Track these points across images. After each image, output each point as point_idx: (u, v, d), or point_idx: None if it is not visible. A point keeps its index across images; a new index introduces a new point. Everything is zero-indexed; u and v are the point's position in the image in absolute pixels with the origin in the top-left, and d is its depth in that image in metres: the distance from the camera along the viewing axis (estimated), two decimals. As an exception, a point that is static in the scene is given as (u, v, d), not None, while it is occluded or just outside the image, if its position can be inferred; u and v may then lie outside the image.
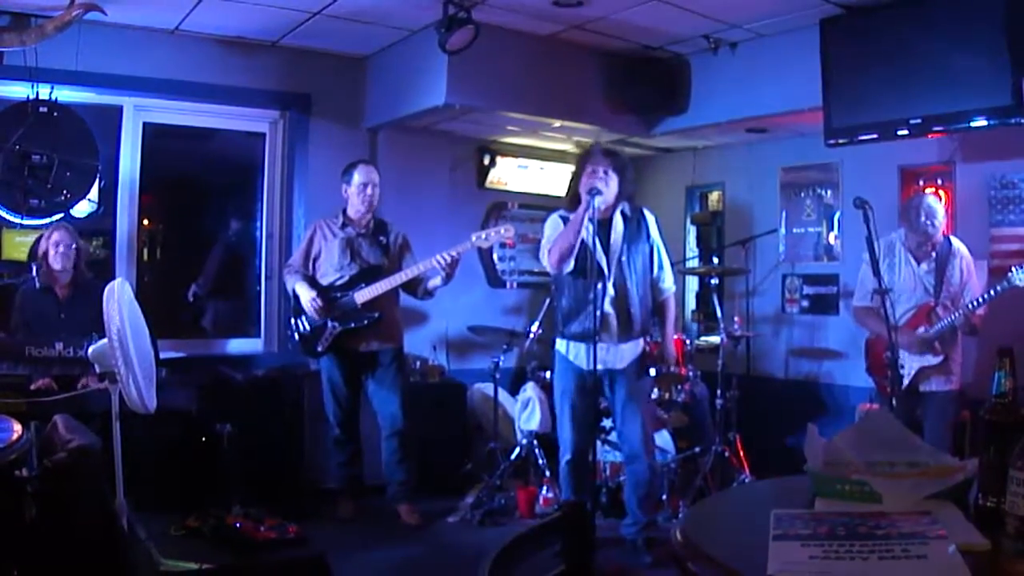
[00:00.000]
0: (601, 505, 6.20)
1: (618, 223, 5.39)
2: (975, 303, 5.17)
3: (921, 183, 6.43)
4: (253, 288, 7.35)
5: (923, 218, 5.45)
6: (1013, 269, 5.06)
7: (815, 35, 5.98)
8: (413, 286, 6.12)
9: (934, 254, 5.47)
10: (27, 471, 3.28)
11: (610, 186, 5.26)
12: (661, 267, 5.53)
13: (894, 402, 5.06)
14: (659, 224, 5.60)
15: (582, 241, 5.22)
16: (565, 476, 5.45)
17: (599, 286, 5.24)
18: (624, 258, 5.35)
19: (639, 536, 5.41)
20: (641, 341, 5.48)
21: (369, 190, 6.11)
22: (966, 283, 5.42)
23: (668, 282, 5.58)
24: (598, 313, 5.21)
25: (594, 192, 5.11)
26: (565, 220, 5.36)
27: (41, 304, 5.62)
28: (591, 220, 5.11)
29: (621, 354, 5.37)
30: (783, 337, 7.57)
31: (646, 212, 5.54)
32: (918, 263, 5.50)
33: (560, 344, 5.48)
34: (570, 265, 5.27)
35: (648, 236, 5.47)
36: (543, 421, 6.48)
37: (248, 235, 7.39)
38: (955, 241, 5.56)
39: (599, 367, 5.23)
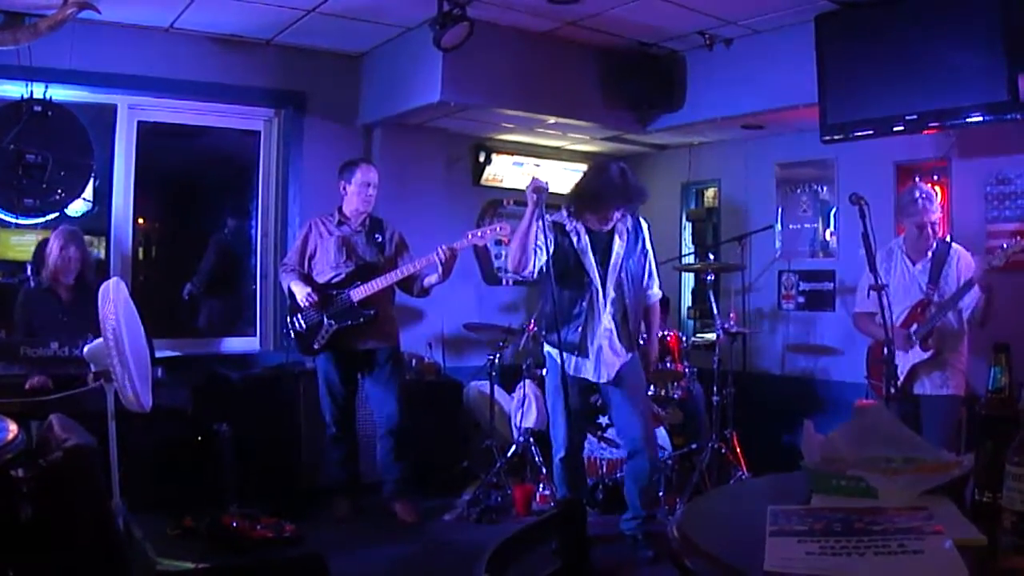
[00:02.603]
0: (598, 502, 6.21)
1: (619, 239, 5.34)
2: (967, 286, 5.13)
3: (917, 179, 6.41)
4: (249, 287, 7.36)
5: (918, 194, 5.38)
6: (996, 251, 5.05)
7: (810, 31, 5.98)
8: (409, 284, 6.11)
9: (930, 254, 5.43)
10: (22, 471, 3.27)
11: (614, 216, 5.25)
12: (651, 275, 5.54)
13: (889, 404, 5.03)
14: (650, 229, 5.59)
15: (575, 252, 5.22)
16: (559, 473, 5.45)
17: (584, 302, 5.25)
18: (623, 274, 5.32)
19: (639, 531, 5.41)
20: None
21: (371, 190, 6.09)
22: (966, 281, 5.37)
23: (655, 288, 5.60)
24: (581, 329, 5.25)
25: (541, 191, 5.00)
26: (555, 224, 5.30)
27: (44, 305, 5.61)
28: (540, 218, 5.02)
29: (615, 365, 5.34)
30: (779, 333, 7.57)
31: (642, 221, 5.51)
32: (913, 264, 5.47)
33: (550, 348, 5.47)
34: (529, 266, 5.17)
35: (643, 246, 5.46)
36: (539, 418, 6.49)
37: (243, 233, 7.40)
38: (954, 245, 5.53)
39: (595, 379, 5.29)
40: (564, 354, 5.23)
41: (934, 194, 5.48)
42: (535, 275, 5.26)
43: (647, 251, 5.49)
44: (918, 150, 6.44)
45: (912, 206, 5.40)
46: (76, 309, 5.56)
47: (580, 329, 5.24)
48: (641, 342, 5.56)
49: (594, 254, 5.26)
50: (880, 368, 5.39)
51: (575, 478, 5.48)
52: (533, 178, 5.13)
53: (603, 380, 5.31)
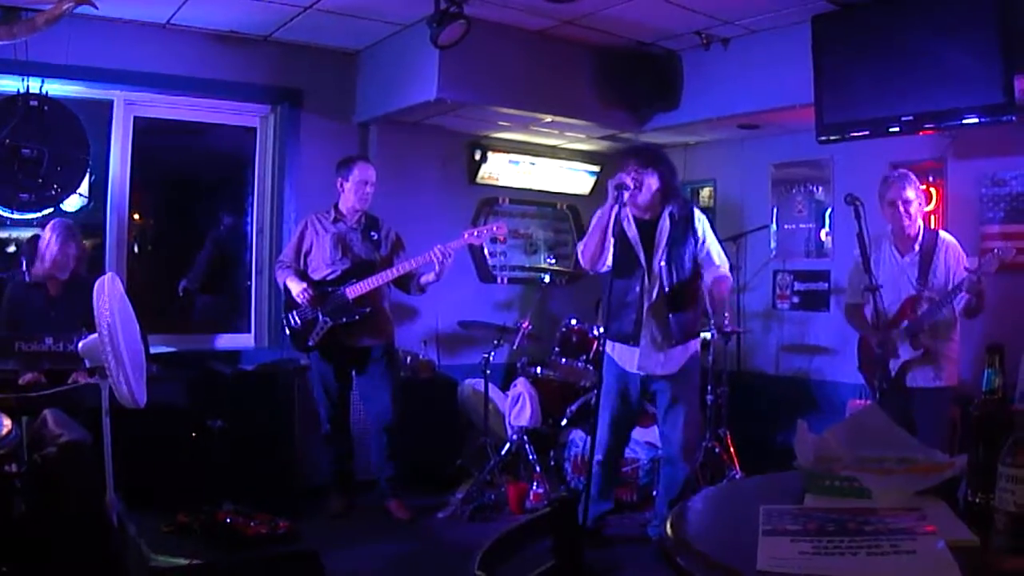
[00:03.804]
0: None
1: (665, 225, 5.25)
2: (956, 289, 5.13)
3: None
4: (244, 283, 7.34)
5: (890, 174, 5.41)
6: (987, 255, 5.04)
7: (807, 31, 5.98)
8: (405, 282, 6.12)
9: (917, 247, 5.42)
10: (16, 466, 3.27)
11: (645, 183, 5.15)
12: (709, 259, 5.28)
13: (882, 398, 5.04)
14: (711, 223, 5.48)
15: (627, 241, 5.16)
16: (595, 476, 5.37)
17: (637, 288, 5.20)
18: (665, 263, 5.20)
19: None
20: (693, 344, 5.37)
21: (368, 188, 6.09)
22: (954, 276, 5.36)
23: (722, 268, 5.30)
24: (634, 318, 5.20)
25: (622, 187, 4.99)
26: None
27: (31, 299, 5.59)
28: (619, 216, 5.04)
29: (665, 360, 5.26)
30: (773, 333, 7.58)
31: (696, 212, 5.36)
32: (902, 255, 5.47)
33: (608, 344, 5.40)
34: (605, 264, 5.16)
35: (695, 235, 5.27)
36: (533, 417, 6.48)
37: (239, 230, 7.38)
38: (943, 234, 5.52)
39: (641, 372, 5.25)
40: (618, 347, 5.18)
41: (910, 175, 5.44)
42: (604, 270, 5.20)
43: (700, 239, 5.27)
44: (914, 151, 6.44)
45: (883, 185, 5.40)
46: (64, 305, 5.53)
47: (633, 318, 5.20)
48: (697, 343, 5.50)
49: (641, 242, 5.22)
50: (871, 359, 5.43)
51: (609, 483, 5.49)
52: (618, 174, 5.12)
53: (641, 372, 5.25)
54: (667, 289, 5.20)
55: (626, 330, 5.21)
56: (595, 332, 6.69)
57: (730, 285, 5.55)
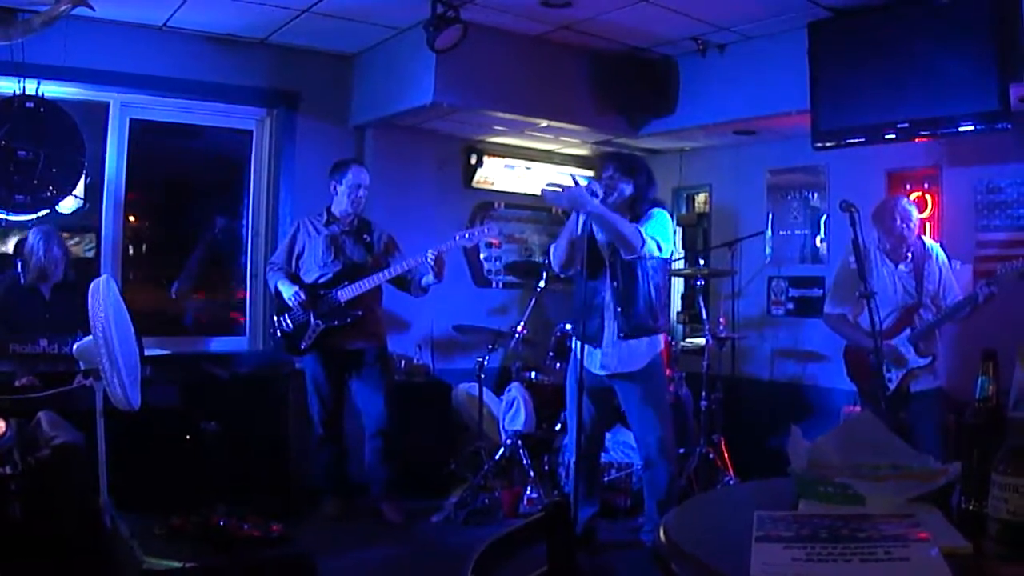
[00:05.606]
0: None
1: None
2: (964, 307, 5.17)
3: (908, 187, 6.44)
4: (239, 285, 7.33)
5: (898, 221, 5.43)
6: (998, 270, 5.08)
7: (803, 38, 5.99)
8: (405, 284, 6.13)
9: (910, 255, 5.47)
10: (10, 468, 3.27)
11: (619, 188, 5.21)
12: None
13: (883, 404, 5.05)
14: (669, 220, 5.42)
15: (596, 245, 5.18)
16: (571, 478, 5.39)
17: (603, 290, 5.24)
18: (616, 260, 5.25)
19: None
20: (654, 341, 5.36)
21: (361, 192, 6.10)
22: (943, 281, 5.42)
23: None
24: (599, 317, 5.24)
25: (592, 193, 5.03)
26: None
27: (26, 302, 5.59)
28: (586, 222, 5.03)
29: (623, 356, 5.28)
30: (768, 339, 7.58)
31: (655, 211, 5.30)
32: (895, 264, 5.50)
33: (575, 344, 5.44)
34: (576, 264, 5.16)
35: (644, 222, 5.25)
36: (527, 421, 6.49)
37: (234, 232, 7.37)
38: (928, 241, 5.58)
39: (604, 372, 5.28)
40: (585, 348, 5.17)
41: (912, 212, 5.50)
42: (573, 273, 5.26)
43: (649, 224, 5.21)
44: (909, 158, 6.45)
45: (891, 225, 5.45)
46: (59, 307, 5.54)
47: (598, 319, 5.24)
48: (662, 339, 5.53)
49: (607, 244, 5.26)
50: (863, 367, 5.45)
51: (589, 484, 5.47)
52: (589, 179, 5.17)
53: (604, 372, 5.28)
54: (619, 285, 5.24)
55: (590, 331, 5.24)
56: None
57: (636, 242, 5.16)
